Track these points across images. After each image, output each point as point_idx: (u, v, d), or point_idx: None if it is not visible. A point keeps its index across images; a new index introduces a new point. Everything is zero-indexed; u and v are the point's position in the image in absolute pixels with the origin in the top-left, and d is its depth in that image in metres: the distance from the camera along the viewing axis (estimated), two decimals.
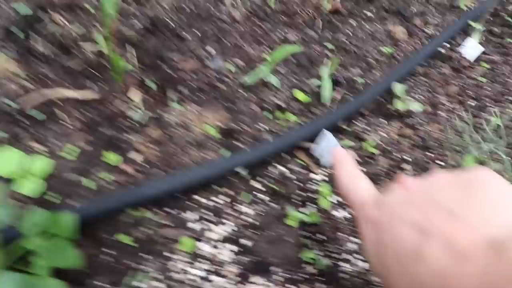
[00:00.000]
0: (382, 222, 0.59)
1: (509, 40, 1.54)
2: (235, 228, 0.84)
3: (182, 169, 0.90)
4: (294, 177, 0.95)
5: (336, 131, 1.06)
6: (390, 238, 0.56)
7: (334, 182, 0.83)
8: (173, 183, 0.84)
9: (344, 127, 1.08)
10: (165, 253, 0.79)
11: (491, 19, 1.62)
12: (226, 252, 0.81)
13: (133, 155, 0.93)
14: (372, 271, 0.72)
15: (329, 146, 0.97)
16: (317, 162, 0.99)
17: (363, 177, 0.73)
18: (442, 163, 1.05)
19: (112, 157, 0.90)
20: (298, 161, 0.99)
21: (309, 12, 1.40)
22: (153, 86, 1.07)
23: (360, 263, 0.84)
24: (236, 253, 0.81)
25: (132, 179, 0.89)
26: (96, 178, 0.87)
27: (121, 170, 0.90)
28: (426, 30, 1.47)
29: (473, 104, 1.26)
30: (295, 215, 0.87)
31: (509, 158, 1.13)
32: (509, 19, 1.60)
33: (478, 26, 1.47)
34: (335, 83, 1.17)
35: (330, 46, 1.29)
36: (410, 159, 1.05)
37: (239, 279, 0.78)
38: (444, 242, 0.49)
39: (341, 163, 0.77)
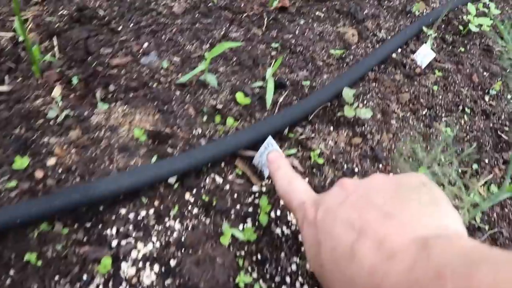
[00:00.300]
0: (319, 221, 0.62)
1: (461, 49, 1.52)
2: (162, 246, 0.76)
3: (103, 177, 0.80)
4: (231, 189, 0.88)
5: (279, 138, 1.00)
6: (326, 236, 0.59)
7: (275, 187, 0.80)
8: (92, 193, 0.75)
9: (289, 134, 1.02)
10: (81, 275, 0.71)
11: (443, 26, 1.61)
12: (149, 274, 0.73)
13: (48, 159, 0.83)
14: (311, 269, 0.72)
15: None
16: (257, 172, 0.92)
17: (299, 179, 0.77)
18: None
19: (22, 162, 0.81)
20: (237, 171, 0.91)
21: (254, 8, 1.34)
22: (77, 82, 0.98)
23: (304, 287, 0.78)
24: (161, 276, 0.73)
25: (45, 188, 0.79)
26: (0, 185, 0.77)
27: (32, 176, 0.80)
28: (378, 33, 1.43)
29: (425, 112, 1.23)
30: (230, 232, 0.80)
31: (459, 172, 1.11)
32: (461, 27, 1.59)
33: (430, 32, 1.45)
34: (279, 85, 1.11)
35: (275, 45, 1.23)
36: (359, 170, 1.01)
37: None
38: (376, 241, 0.53)
39: (277, 165, 0.81)
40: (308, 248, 0.65)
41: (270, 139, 0.90)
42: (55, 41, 1.04)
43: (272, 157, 0.84)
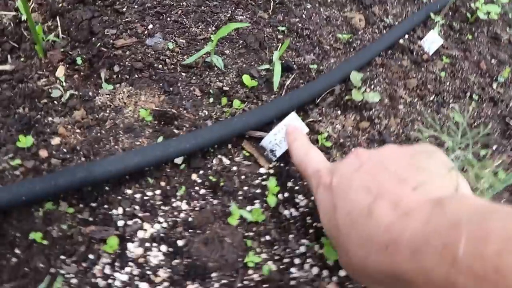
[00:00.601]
0: (335, 187, 0.66)
1: (468, 36, 1.51)
2: (169, 227, 0.75)
3: (109, 156, 0.79)
4: (238, 170, 0.86)
5: None
6: (342, 200, 0.63)
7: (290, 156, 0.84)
8: (97, 171, 0.73)
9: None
10: (87, 255, 0.69)
11: (451, 13, 1.60)
12: (157, 254, 0.72)
13: (52, 139, 0.82)
14: (326, 234, 0.74)
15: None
16: (264, 154, 0.91)
17: (315, 149, 0.80)
18: (443, 138, 1.00)
19: (26, 140, 0.79)
20: (244, 152, 0.90)
21: None
22: (81, 62, 0.96)
23: (313, 269, 0.77)
24: (169, 256, 0.72)
25: (49, 167, 0.78)
26: (3, 163, 0.76)
27: (37, 155, 0.79)
28: (385, 19, 1.42)
29: (432, 98, 1.21)
30: (238, 213, 0.79)
31: (472, 157, 1.09)
32: (468, 15, 1.58)
33: (438, 19, 1.43)
34: (286, 68, 1.09)
35: (281, 28, 1.21)
36: None
37: (170, 286, 0.69)
38: (392, 202, 0.56)
39: (294, 136, 0.83)
40: (323, 213, 0.68)
41: (293, 115, 0.91)
42: (58, 21, 1.03)
43: (291, 129, 0.87)
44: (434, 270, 0.47)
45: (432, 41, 1.36)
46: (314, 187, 0.71)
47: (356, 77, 1.06)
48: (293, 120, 0.89)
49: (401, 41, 1.35)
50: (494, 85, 1.36)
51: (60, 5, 1.06)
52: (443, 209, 0.51)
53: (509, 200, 1.04)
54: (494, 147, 1.16)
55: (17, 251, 0.68)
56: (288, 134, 0.86)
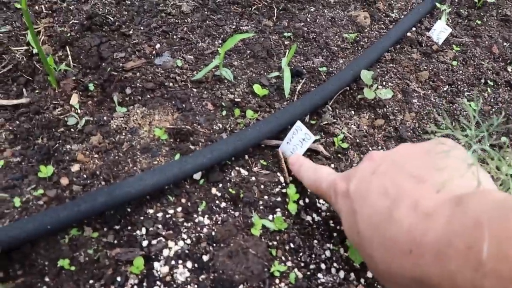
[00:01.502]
0: (353, 192, 0.66)
1: (477, 21, 1.50)
2: (193, 243, 0.76)
3: (128, 178, 0.80)
4: (257, 180, 0.87)
5: None
6: (362, 205, 0.63)
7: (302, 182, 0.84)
8: (117, 194, 0.75)
9: (310, 121, 1.01)
10: (115, 277, 0.71)
11: (457, 0, 1.59)
12: (183, 271, 0.73)
13: (72, 166, 0.84)
14: (350, 241, 0.76)
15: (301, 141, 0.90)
16: (280, 162, 0.91)
17: (321, 166, 0.83)
18: (457, 135, 0.99)
19: (47, 170, 0.81)
20: (262, 162, 0.91)
21: (263, 0, 1.33)
22: (93, 88, 0.98)
23: (340, 273, 0.78)
24: (195, 272, 0.73)
25: (71, 194, 0.80)
26: (27, 194, 0.78)
27: (58, 184, 0.81)
28: (390, 14, 1.42)
29: (446, 89, 1.21)
30: (261, 223, 0.79)
31: (489, 147, 1.09)
32: (475, 0, 1.57)
33: (444, 7, 1.43)
34: (296, 73, 1.10)
35: (287, 34, 1.22)
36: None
37: None
38: (411, 203, 0.56)
39: (299, 164, 0.85)
40: (344, 219, 0.68)
41: (298, 124, 0.90)
42: (68, 50, 1.05)
43: (293, 158, 0.89)
44: (458, 274, 0.46)
45: (440, 30, 1.35)
46: (333, 198, 0.72)
47: (366, 75, 1.07)
48: (299, 128, 0.90)
49: (408, 34, 1.35)
50: (509, 68, 1.35)
51: (69, 34, 1.09)
52: (464, 207, 0.50)
53: None
54: None
55: (46, 279, 0.69)
56: (292, 165, 0.88)
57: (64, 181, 0.81)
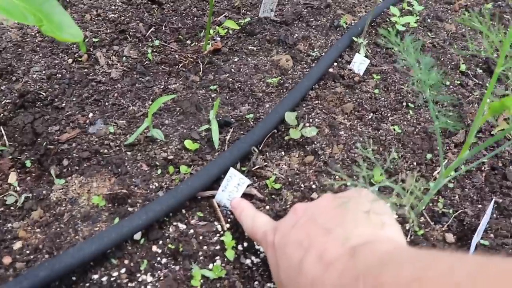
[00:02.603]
0: (276, 244, 0.71)
1: (395, 48, 1.60)
2: None
3: (69, 249, 0.84)
4: (195, 232, 0.91)
5: None
6: (282, 257, 0.68)
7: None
8: (58, 266, 0.78)
9: (241, 167, 1.06)
10: None
11: (374, 32, 1.69)
12: None
13: (14, 244, 0.87)
14: None
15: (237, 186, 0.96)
16: (216, 211, 0.96)
17: (261, 214, 0.87)
18: (349, 184, 1.06)
19: None
20: (198, 214, 0.96)
21: (189, 57, 1.40)
22: (31, 164, 1.02)
23: None
24: None
25: (15, 272, 0.82)
26: None
27: (1, 263, 0.83)
28: (311, 53, 1.50)
29: (371, 117, 1.28)
30: (199, 273, 0.83)
31: (411, 166, 1.16)
32: (390, 29, 1.67)
33: (361, 40, 1.52)
34: (224, 123, 1.16)
35: (213, 87, 1.29)
36: (317, 187, 1.05)
37: None
38: (318, 254, 0.60)
39: (240, 208, 0.90)
40: (271, 269, 0.73)
41: (232, 170, 0.96)
42: (2, 130, 1.08)
43: (235, 203, 0.93)
44: None
45: (360, 62, 1.44)
46: (264, 248, 0.78)
47: (290, 116, 1.13)
48: (233, 174, 0.95)
49: (330, 70, 1.42)
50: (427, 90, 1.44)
51: (1, 114, 1.12)
52: (354, 259, 0.55)
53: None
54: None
55: None
56: (234, 209, 0.93)
57: (7, 260, 0.84)
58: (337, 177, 1.08)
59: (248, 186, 0.98)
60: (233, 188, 0.96)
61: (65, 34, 0.70)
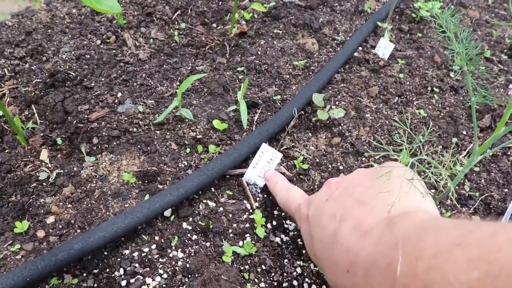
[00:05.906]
0: (311, 217, 0.71)
1: (418, 34, 1.57)
2: (169, 276, 0.78)
3: (102, 223, 0.82)
4: (225, 210, 0.90)
5: None
6: (316, 229, 0.68)
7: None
8: (92, 240, 0.77)
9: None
10: None
11: (397, 17, 1.66)
12: None
13: (47, 218, 0.86)
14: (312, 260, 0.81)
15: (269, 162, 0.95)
16: (245, 190, 0.94)
17: (295, 187, 0.87)
18: (376, 164, 1.03)
19: (22, 225, 0.83)
20: (228, 192, 0.94)
21: (215, 39, 1.38)
22: (61, 142, 1.01)
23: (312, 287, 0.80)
24: None
25: (49, 245, 0.81)
26: (4, 250, 0.79)
27: (35, 237, 0.82)
28: (336, 37, 1.47)
29: (396, 100, 1.26)
30: (231, 250, 0.82)
31: (438, 151, 1.13)
32: (414, 15, 1.64)
33: (386, 25, 1.49)
34: (252, 105, 1.14)
35: (240, 69, 1.27)
36: (344, 168, 1.03)
37: None
38: (352, 224, 0.61)
39: (274, 180, 0.91)
40: (305, 242, 0.74)
41: (264, 146, 0.95)
42: (34, 109, 1.08)
43: (269, 174, 0.94)
44: None
45: (385, 47, 1.41)
46: (298, 221, 0.78)
47: (318, 98, 1.11)
48: (265, 149, 0.94)
49: (356, 54, 1.40)
50: (452, 74, 1.41)
51: (33, 93, 1.11)
52: (392, 228, 0.54)
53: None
54: (464, 132, 1.21)
55: None
56: (268, 180, 0.93)
57: (41, 233, 0.83)
58: (372, 154, 1.06)
59: (278, 164, 0.97)
60: (265, 163, 0.94)
61: (103, 5, 0.69)
